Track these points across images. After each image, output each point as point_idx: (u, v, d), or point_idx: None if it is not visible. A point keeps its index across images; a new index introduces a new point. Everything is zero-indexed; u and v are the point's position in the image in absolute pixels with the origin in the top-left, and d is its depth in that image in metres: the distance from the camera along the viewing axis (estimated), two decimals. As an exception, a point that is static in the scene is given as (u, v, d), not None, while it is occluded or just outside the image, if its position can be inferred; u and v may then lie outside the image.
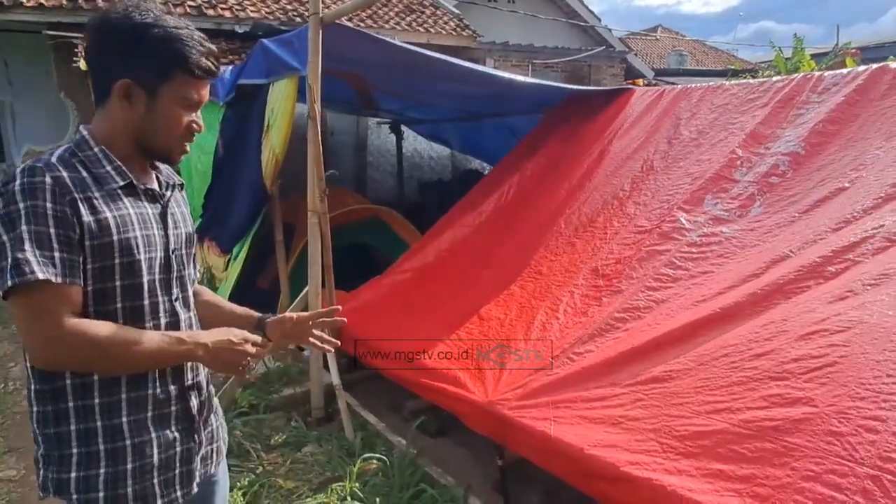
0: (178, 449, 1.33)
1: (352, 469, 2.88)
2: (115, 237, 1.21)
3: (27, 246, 1.11)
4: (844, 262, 2.23)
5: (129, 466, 1.25)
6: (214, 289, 4.82)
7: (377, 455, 3.00)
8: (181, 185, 1.49)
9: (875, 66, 3.10)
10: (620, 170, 3.65)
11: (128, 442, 1.24)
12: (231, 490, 2.81)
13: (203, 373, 1.43)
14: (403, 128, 8.59)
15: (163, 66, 1.24)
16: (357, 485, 2.80)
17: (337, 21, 3.36)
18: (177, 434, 1.32)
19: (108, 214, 1.20)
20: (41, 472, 1.26)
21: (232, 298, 4.54)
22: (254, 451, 3.16)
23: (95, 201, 1.20)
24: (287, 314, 1.57)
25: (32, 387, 1.24)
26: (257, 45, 4.35)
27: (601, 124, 4.19)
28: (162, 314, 1.31)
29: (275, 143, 3.87)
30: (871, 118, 2.86)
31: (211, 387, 1.48)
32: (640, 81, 13.35)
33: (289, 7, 9.48)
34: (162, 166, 1.43)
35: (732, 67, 16.00)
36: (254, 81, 4.30)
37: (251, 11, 8.85)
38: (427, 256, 4.43)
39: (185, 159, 4.92)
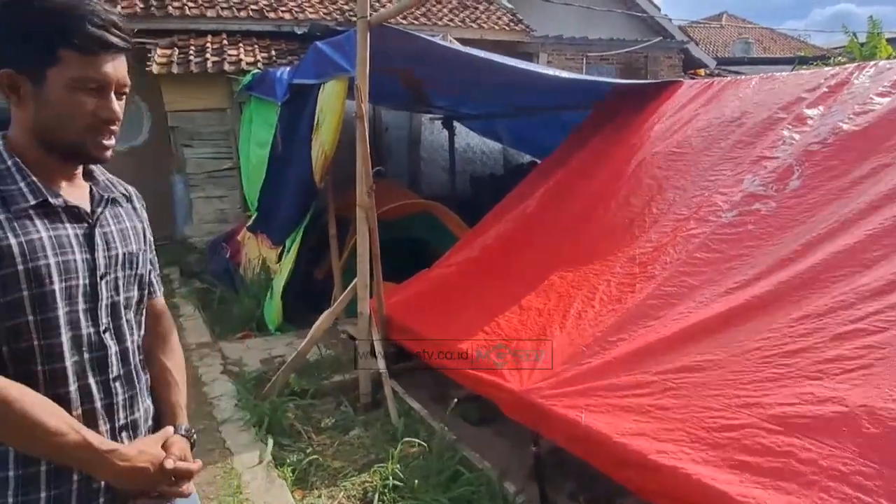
0: (101, 500, 1.17)
1: (394, 452, 3.01)
2: (20, 266, 1.05)
3: None
4: (884, 248, 2.19)
5: None
6: (269, 280, 5.08)
7: (418, 440, 3.12)
8: (128, 197, 1.33)
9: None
10: (662, 158, 3.65)
11: (42, 494, 1.10)
12: (282, 466, 3.00)
13: (141, 412, 1.28)
14: (456, 123, 8.70)
15: (43, 47, 1.05)
16: (398, 466, 2.93)
17: (384, 23, 3.49)
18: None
19: (13, 240, 1.05)
20: None
21: (288, 289, 4.78)
22: (304, 432, 3.35)
23: None
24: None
25: None
26: (311, 48, 4.55)
27: (646, 116, 4.19)
28: (85, 348, 1.15)
29: (324, 140, 4.05)
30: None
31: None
32: (702, 72, 12.99)
33: (346, 7, 9.72)
34: (100, 176, 1.28)
35: (802, 55, 15.33)
36: (306, 82, 4.51)
37: (309, 13, 9.14)
38: (473, 250, 4.52)
39: (244, 154, 5.19)
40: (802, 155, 2.90)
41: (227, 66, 7.49)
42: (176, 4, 8.43)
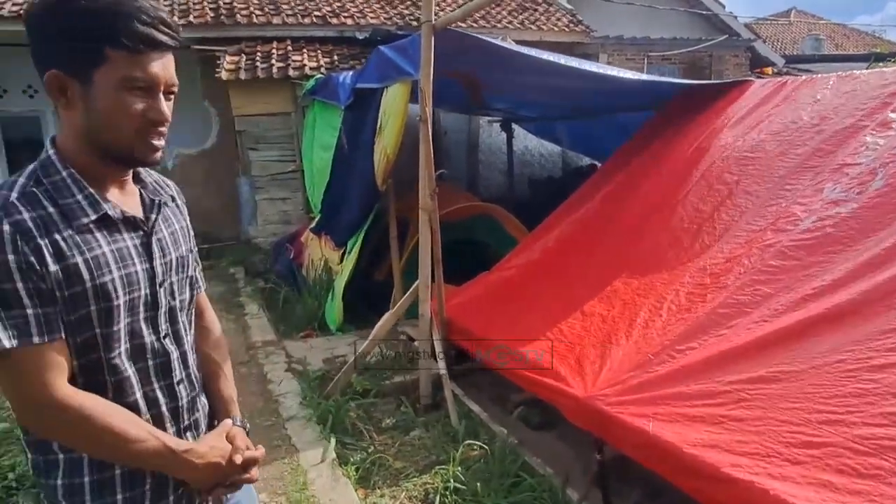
0: (170, 498, 1.20)
1: (455, 454, 3.03)
2: (89, 283, 1.05)
3: None
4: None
5: None
6: (331, 280, 5.18)
7: (479, 442, 3.13)
8: (172, 197, 1.31)
9: None
10: (734, 163, 3.53)
11: (119, 496, 1.13)
12: (345, 465, 3.06)
13: (201, 413, 1.32)
14: (514, 126, 8.67)
15: (90, 46, 1.02)
16: (459, 469, 2.95)
17: (448, 26, 3.52)
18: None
19: (79, 258, 1.04)
20: None
21: (348, 289, 4.87)
22: (366, 431, 3.40)
23: (63, 244, 1.03)
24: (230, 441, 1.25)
25: (22, 435, 1.15)
26: (374, 52, 4.62)
27: (713, 117, 4.06)
28: (149, 356, 1.17)
29: (387, 144, 4.10)
30: None
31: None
32: (769, 70, 12.51)
33: (406, 12, 9.83)
34: (148, 179, 1.25)
35: (877, 51, 14.56)
36: (370, 86, 4.58)
37: (371, 18, 9.28)
38: (533, 253, 4.50)
39: (308, 157, 5.31)
40: (886, 156, 2.75)
41: (291, 72, 7.69)
42: (244, 12, 8.71)
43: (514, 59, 4.12)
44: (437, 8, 10.05)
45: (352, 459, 3.11)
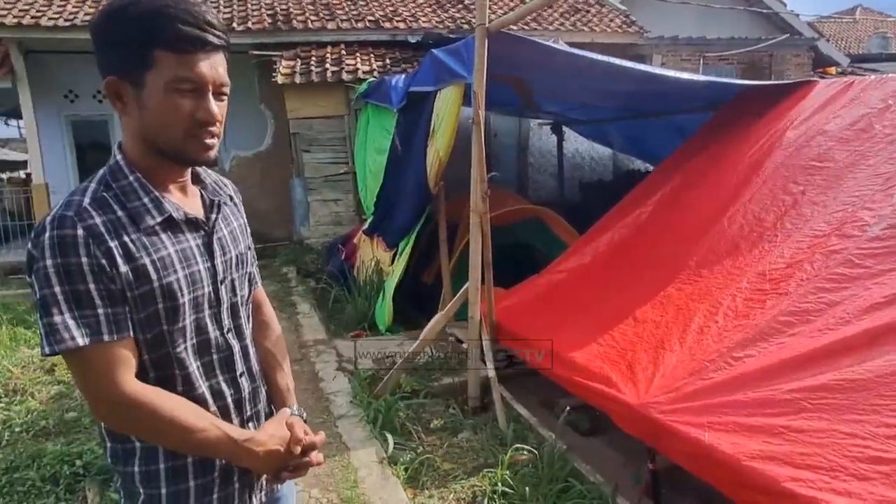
0: (236, 485, 1.26)
1: (503, 458, 3.02)
2: (156, 283, 1.10)
3: (64, 308, 1.02)
4: None
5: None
6: (382, 281, 5.25)
7: (527, 447, 3.11)
8: (230, 197, 1.35)
9: None
10: (795, 168, 3.41)
11: (191, 483, 1.19)
12: (395, 464, 3.09)
13: (261, 404, 1.37)
14: (564, 128, 8.60)
15: (139, 50, 1.06)
16: (508, 473, 2.94)
17: (502, 29, 3.52)
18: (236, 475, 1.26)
19: (146, 259, 1.09)
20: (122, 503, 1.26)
21: (398, 291, 4.92)
22: (415, 432, 3.43)
23: (131, 246, 1.08)
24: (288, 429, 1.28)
25: (101, 423, 1.21)
26: (427, 56, 4.66)
27: (775, 119, 3.93)
28: (214, 350, 1.22)
29: (439, 146, 4.13)
30: None
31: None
32: (833, 70, 12.04)
33: (457, 16, 9.88)
34: (207, 179, 1.29)
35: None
36: (423, 89, 4.62)
37: (423, 22, 9.37)
38: (584, 257, 4.45)
39: (360, 159, 5.40)
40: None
41: (344, 75, 7.83)
42: (300, 18, 8.93)
43: (567, 61, 4.09)
44: (490, 11, 10.08)
45: (401, 459, 3.14)
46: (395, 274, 4.80)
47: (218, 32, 1.11)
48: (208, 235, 1.21)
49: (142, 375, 1.11)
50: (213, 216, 1.23)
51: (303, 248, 8.23)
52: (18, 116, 11.81)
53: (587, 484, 2.86)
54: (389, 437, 3.26)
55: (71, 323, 1.02)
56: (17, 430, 3.58)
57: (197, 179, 1.27)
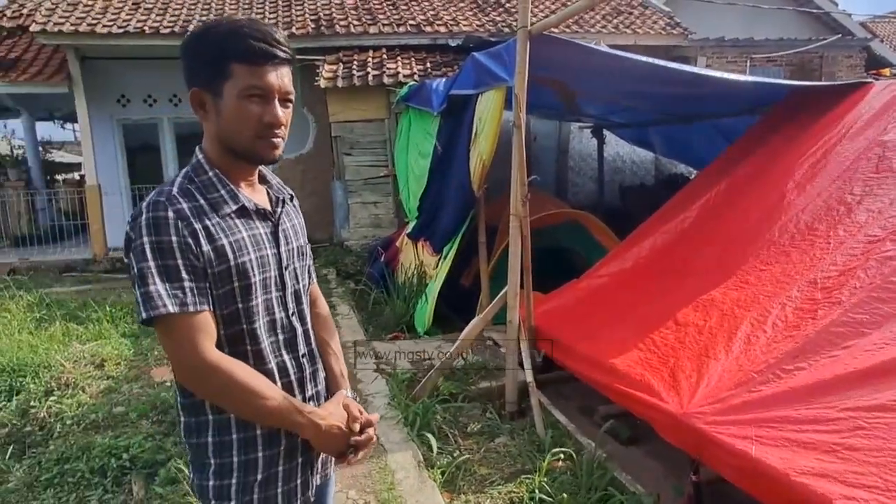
0: (299, 460, 1.36)
1: (541, 464, 2.98)
2: (232, 262, 1.24)
3: (157, 279, 1.16)
4: None
5: (259, 477, 1.30)
6: (425, 285, 5.26)
7: (566, 451, 3.07)
8: (291, 197, 1.48)
9: None
10: (850, 173, 3.28)
11: (259, 454, 1.30)
12: (431, 468, 3.09)
13: (321, 386, 1.46)
14: (605, 132, 8.48)
15: (219, 64, 1.22)
16: (545, 479, 2.90)
17: (544, 32, 3.49)
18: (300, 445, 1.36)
19: (225, 241, 1.24)
20: (191, 476, 1.36)
21: (439, 294, 4.91)
22: (451, 436, 3.42)
23: (212, 229, 1.23)
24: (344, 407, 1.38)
25: (178, 399, 1.32)
26: (468, 59, 4.66)
27: (828, 123, 3.80)
28: (279, 331, 1.34)
29: (482, 150, 4.12)
30: None
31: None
32: (887, 71, 11.56)
33: (498, 19, 9.86)
34: (273, 180, 1.44)
35: None
36: (464, 92, 4.62)
37: (464, 25, 9.38)
38: (625, 262, 4.38)
39: (401, 163, 5.43)
40: None
41: (385, 79, 7.89)
42: (342, 23, 9.04)
43: (610, 63, 4.04)
44: (531, 14, 10.02)
45: (438, 463, 3.14)
46: (439, 278, 4.81)
47: (284, 48, 1.25)
48: (275, 225, 1.36)
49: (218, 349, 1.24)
50: (279, 210, 1.38)
51: (343, 250, 8.31)
52: (73, 120, 12.28)
53: (627, 494, 2.81)
54: (432, 438, 3.26)
55: (163, 293, 1.16)
56: (69, 422, 3.70)
57: (263, 180, 1.42)
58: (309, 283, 1.50)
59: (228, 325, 1.26)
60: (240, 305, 1.26)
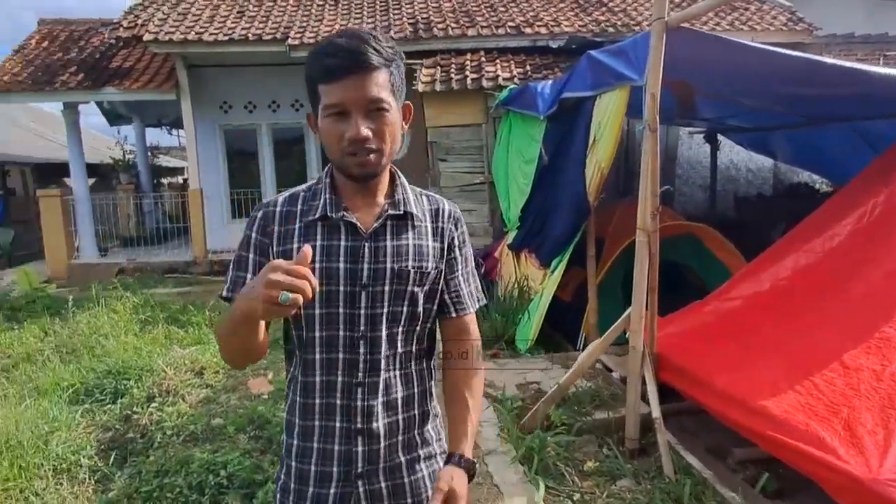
0: (331, 491, 1.28)
1: (678, 519, 2.59)
2: None
3: (234, 266, 1.29)
4: None
5: (293, 485, 1.31)
6: (528, 299, 4.93)
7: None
8: (432, 216, 1.36)
9: None
10: None
11: (294, 442, 1.33)
12: (549, 512, 2.76)
13: (380, 422, 1.30)
14: (720, 137, 7.85)
15: (311, 88, 1.25)
16: (687, 539, 2.51)
17: (682, 24, 3.10)
18: (335, 469, 1.29)
19: (294, 246, 1.26)
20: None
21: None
22: (568, 474, 3.07)
23: (290, 233, 1.27)
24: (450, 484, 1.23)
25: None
26: (583, 59, 4.30)
27: None
28: (339, 349, 1.27)
29: (601, 157, 3.76)
30: None
31: (402, 457, 1.34)
32: None
33: (601, 18, 9.39)
34: (400, 196, 1.33)
35: None
36: (578, 94, 4.27)
37: (565, 26, 8.98)
38: (761, 283, 3.89)
39: (500, 169, 5.11)
40: None
41: (484, 83, 7.63)
42: (440, 26, 8.87)
43: (744, 60, 3.56)
44: (643, 9, 9.46)
45: (557, 508, 2.80)
46: (547, 293, 4.46)
47: (350, 58, 1.18)
48: (363, 240, 1.27)
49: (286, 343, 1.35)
50: (376, 224, 1.28)
51: (436, 259, 8.10)
52: (179, 126, 12.84)
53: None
54: (542, 484, 2.92)
55: (231, 278, 1.28)
56: (169, 432, 3.64)
57: (392, 194, 1.33)
58: (413, 313, 1.31)
59: (297, 328, 1.30)
60: (301, 311, 1.23)
